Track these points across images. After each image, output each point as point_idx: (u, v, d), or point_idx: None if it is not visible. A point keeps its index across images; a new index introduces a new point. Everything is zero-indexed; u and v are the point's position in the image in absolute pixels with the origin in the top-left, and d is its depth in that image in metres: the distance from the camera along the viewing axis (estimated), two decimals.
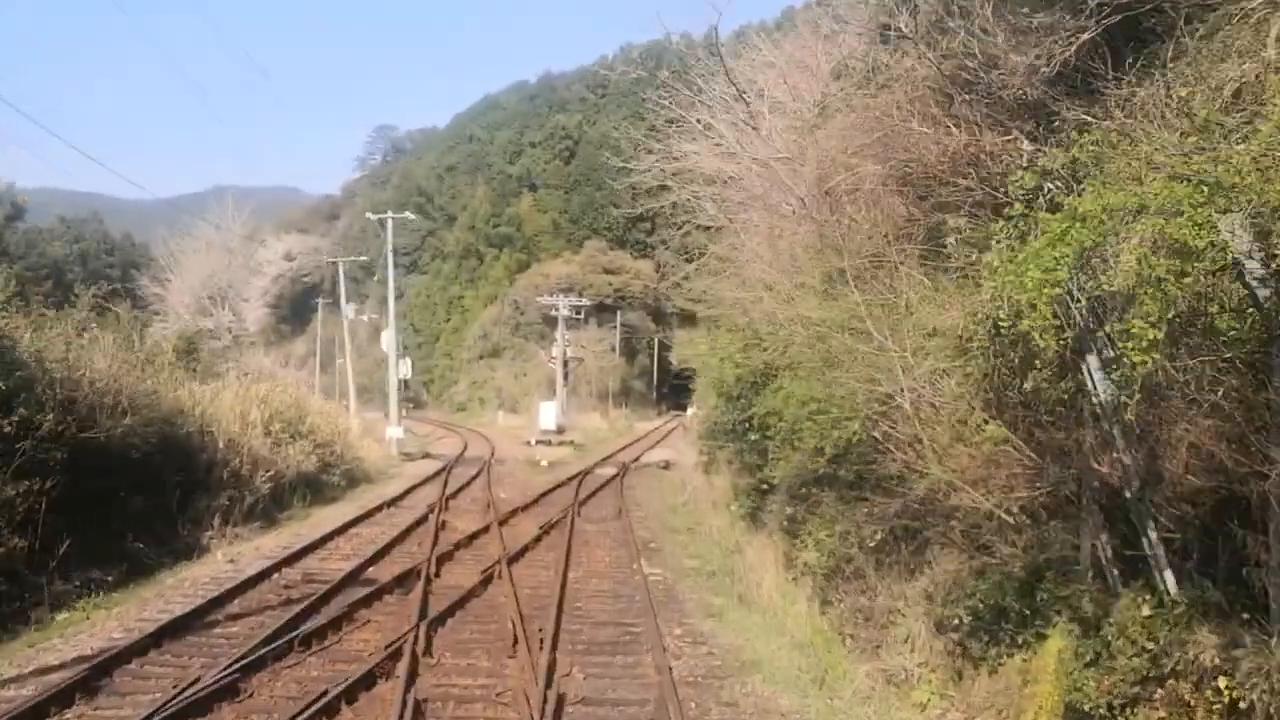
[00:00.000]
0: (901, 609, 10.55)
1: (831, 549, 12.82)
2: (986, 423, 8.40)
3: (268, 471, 19.43)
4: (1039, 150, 8.98)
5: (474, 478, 27.01)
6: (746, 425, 17.43)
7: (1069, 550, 8.36)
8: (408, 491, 23.21)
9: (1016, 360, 7.83)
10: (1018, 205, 7.65)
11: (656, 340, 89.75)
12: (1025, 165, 8.50)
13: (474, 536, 16.63)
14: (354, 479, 24.45)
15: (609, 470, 31.90)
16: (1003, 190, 8.89)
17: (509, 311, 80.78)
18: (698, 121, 29.92)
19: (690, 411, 39.43)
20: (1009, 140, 10.52)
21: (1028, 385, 7.75)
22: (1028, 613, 8.29)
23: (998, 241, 7.65)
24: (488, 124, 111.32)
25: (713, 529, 19.59)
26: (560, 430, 53.91)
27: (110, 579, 12.81)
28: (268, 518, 18.69)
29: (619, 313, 79.71)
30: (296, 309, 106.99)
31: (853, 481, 12.99)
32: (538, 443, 45.21)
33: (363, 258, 59.49)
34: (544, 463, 34.50)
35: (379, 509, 19.98)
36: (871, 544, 11.59)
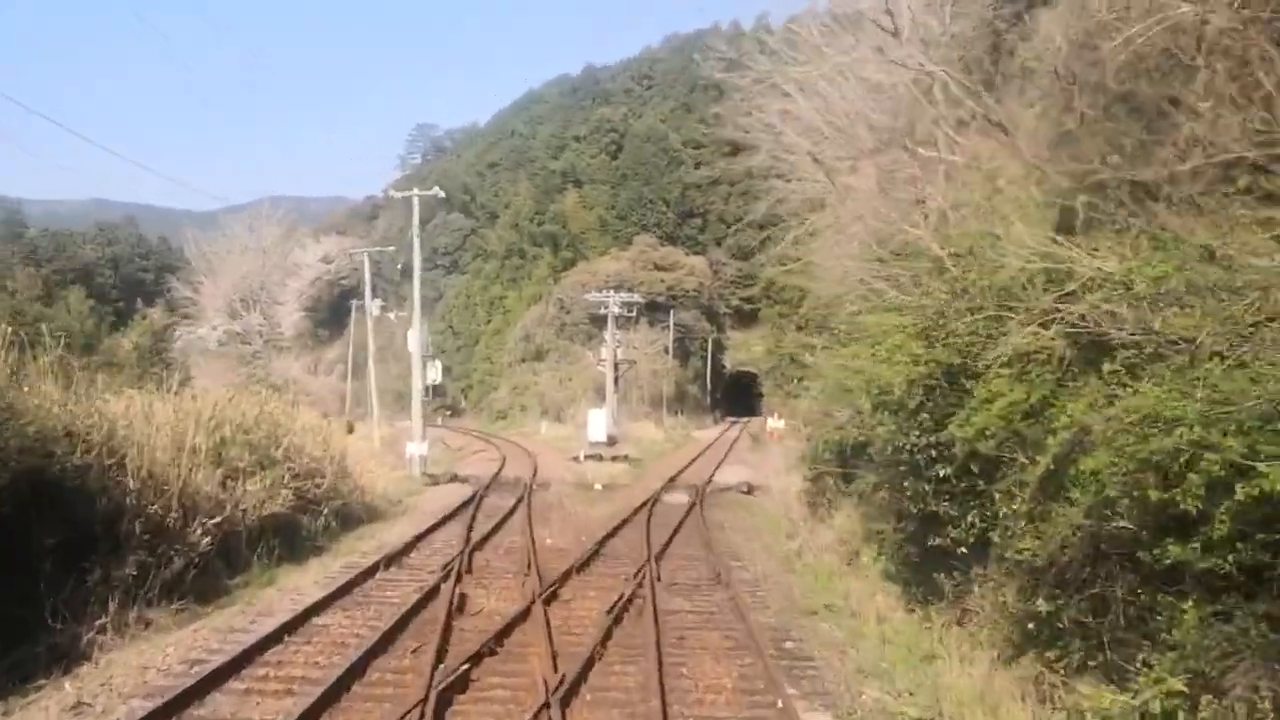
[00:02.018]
0: None
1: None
2: None
3: (212, 519, 13.47)
4: None
5: (511, 512, 20.90)
6: (932, 454, 11.10)
7: None
8: (420, 538, 17.12)
9: None
10: None
11: (710, 341, 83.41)
12: None
13: (504, 633, 10.45)
14: (349, 519, 18.43)
15: (680, 497, 25.65)
16: None
17: (553, 311, 74.87)
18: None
19: (772, 422, 33.03)
20: None
21: None
22: None
23: None
24: (530, 118, 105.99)
25: (860, 604, 13.23)
26: (611, 442, 47.78)
27: None
28: (206, 589, 12.71)
29: (672, 312, 73.41)
30: (334, 313, 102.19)
31: (1232, 578, 6.73)
32: (587, 458, 39.09)
33: (390, 248, 53.93)
34: (597, 486, 28.34)
35: (371, 572, 13.88)
36: None
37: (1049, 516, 8.71)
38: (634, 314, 59.60)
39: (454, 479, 28.41)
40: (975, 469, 10.78)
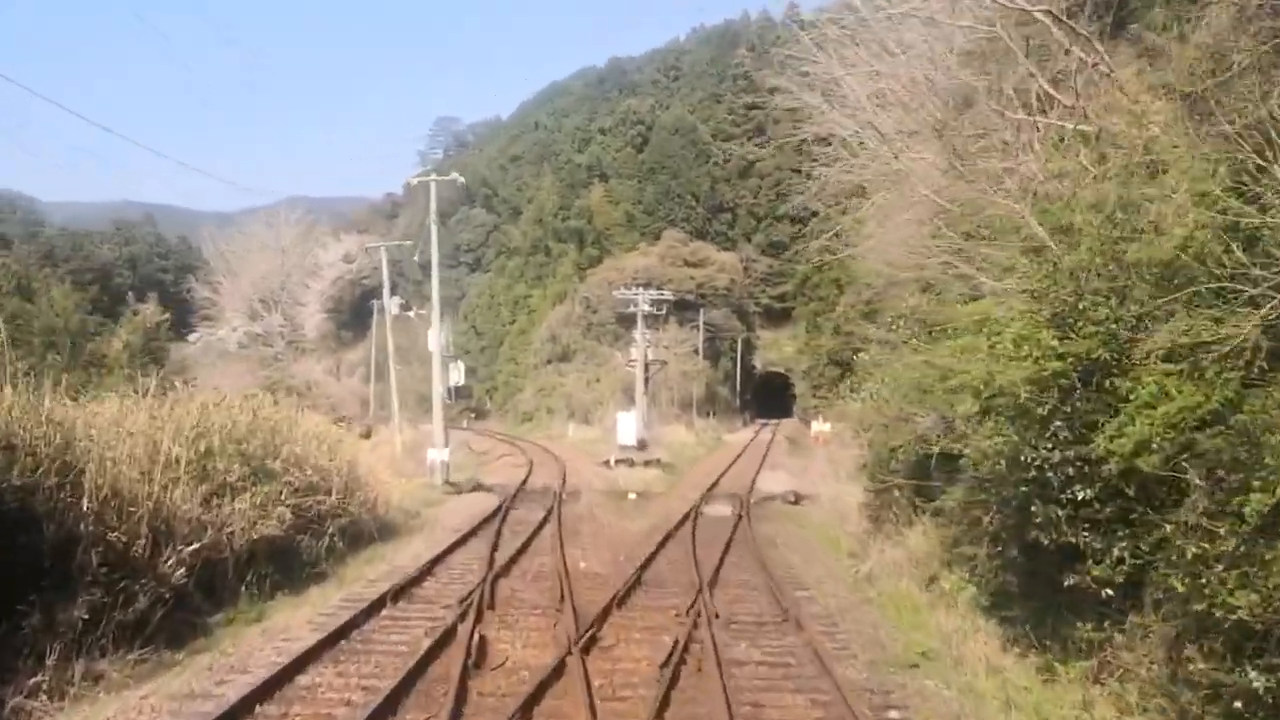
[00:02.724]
0: None
1: None
2: None
3: (190, 545, 11.44)
4: None
5: (539, 526, 18.75)
6: (1069, 472, 8.83)
7: None
8: (437, 560, 15.01)
9: None
10: None
11: (740, 342, 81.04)
12: None
13: (534, 698, 8.28)
14: (359, 537, 16.36)
15: (722, 508, 23.45)
16: None
17: (579, 310, 72.72)
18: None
19: (816, 425, 30.73)
20: None
21: None
22: None
23: None
24: (554, 111, 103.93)
25: (961, 648, 10.97)
26: (642, 445, 45.59)
27: None
28: (180, 630, 10.68)
29: (702, 310, 71.09)
30: (356, 314, 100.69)
31: None
32: (618, 463, 36.94)
33: (408, 242, 51.92)
34: (631, 495, 26.17)
35: (376, 607, 11.75)
36: None
37: (1273, 563, 6.46)
38: (664, 312, 57.33)
39: (478, 488, 26.35)
40: (1130, 491, 8.53)
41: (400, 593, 12.44)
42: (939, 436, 14.08)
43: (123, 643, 9.86)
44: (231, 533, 12.52)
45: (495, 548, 16.18)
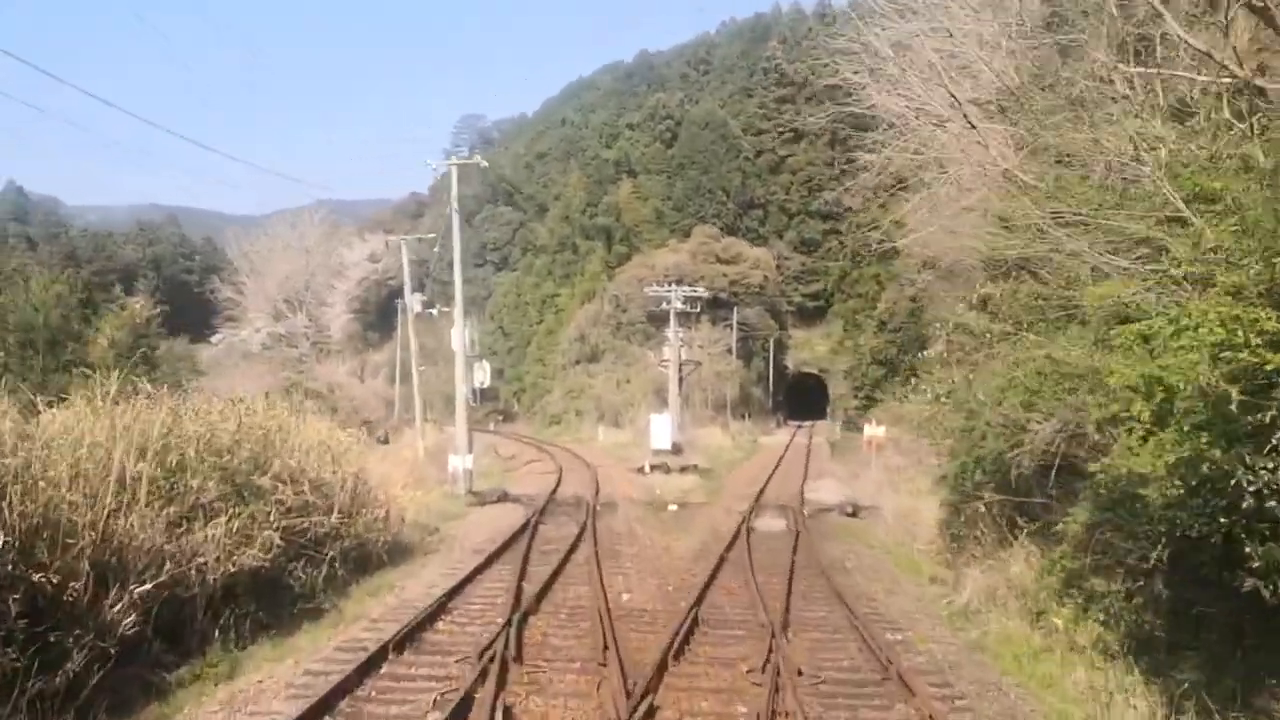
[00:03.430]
0: None
1: None
2: None
3: (146, 583, 9.26)
4: None
5: (573, 546, 16.43)
6: None
7: None
8: (455, 591, 12.72)
9: None
10: None
11: (772, 341, 78.43)
12: None
13: None
14: (365, 561, 14.14)
15: (775, 523, 21.06)
16: None
17: (609, 309, 70.40)
18: None
19: (869, 429, 28.24)
20: None
21: None
22: None
23: None
24: (581, 106, 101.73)
25: (1118, 716, 8.55)
26: (676, 450, 43.25)
27: None
28: (126, 694, 8.49)
29: (735, 308, 68.56)
30: (382, 315, 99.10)
31: None
32: (653, 468, 34.63)
33: (431, 235, 49.82)
34: (671, 506, 23.80)
35: (376, 661, 9.46)
36: None
37: None
38: (698, 310, 54.87)
39: (503, 498, 24.07)
40: None
41: (407, 639, 10.15)
42: (1060, 445, 11.65)
43: (49, 716, 7.69)
44: (203, 564, 10.31)
45: (523, 574, 13.88)
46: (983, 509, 15.96)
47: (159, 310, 27.45)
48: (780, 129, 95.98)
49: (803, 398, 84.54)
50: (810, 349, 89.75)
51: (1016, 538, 14.42)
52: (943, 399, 22.51)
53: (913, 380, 40.55)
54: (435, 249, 39.35)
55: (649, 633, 10.97)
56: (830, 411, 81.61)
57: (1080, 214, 12.61)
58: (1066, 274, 13.06)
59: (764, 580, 13.99)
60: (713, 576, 14.12)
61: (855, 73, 28.07)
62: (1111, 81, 15.67)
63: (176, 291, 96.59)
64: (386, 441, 37.14)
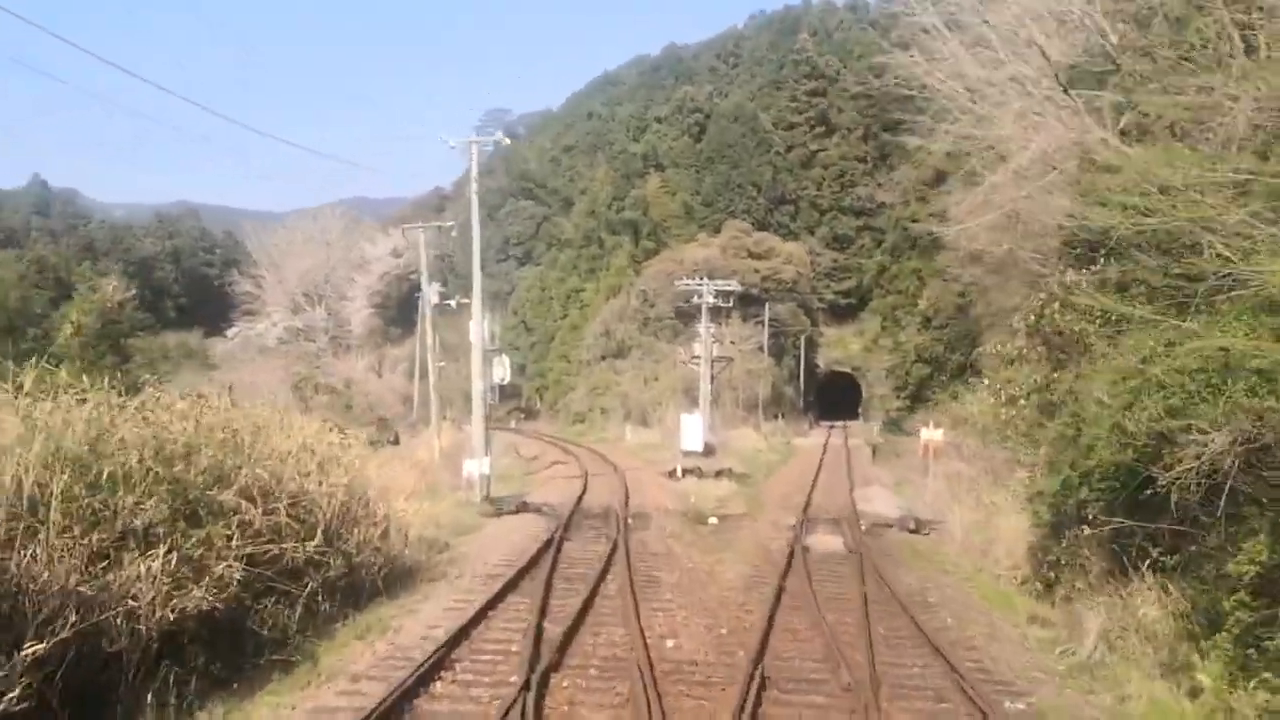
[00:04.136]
0: None
1: None
2: None
3: (47, 638, 6.96)
4: None
5: (603, 571, 14.01)
6: None
7: None
8: (460, 635, 10.33)
9: None
10: None
11: (803, 340, 75.73)
12: None
13: None
14: (355, 592, 11.82)
15: (830, 540, 18.58)
16: None
17: (635, 304, 67.94)
18: None
19: (926, 433, 25.66)
20: None
21: None
22: None
23: None
24: (608, 99, 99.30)
25: None
26: (709, 451, 40.81)
27: None
28: None
29: (767, 305, 65.93)
30: (404, 310, 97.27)
31: None
32: (685, 473, 32.16)
33: (450, 224, 47.57)
34: (711, 519, 21.32)
35: None
36: None
37: None
38: (730, 304, 52.30)
39: (523, 507, 21.69)
40: None
41: (392, 713, 7.76)
42: (1234, 463, 9.10)
43: None
44: (135, 609, 8.00)
45: (544, 609, 11.51)
46: (1089, 531, 13.47)
47: (134, 294, 25.18)
48: (811, 122, 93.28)
49: (834, 397, 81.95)
50: (843, 347, 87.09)
51: (1139, 569, 11.89)
52: (1021, 400, 20.02)
53: (969, 379, 37.98)
54: (454, 233, 37.16)
55: (703, 699, 8.58)
56: (863, 412, 78.81)
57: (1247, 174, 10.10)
58: (1204, 250, 10.51)
59: (835, 619, 11.53)
60: (772, 613, 11.67)
61: (906, 49, 25.68)
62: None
63: (196, 285, 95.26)
64: (396, 442, 34.92)
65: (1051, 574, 14.25)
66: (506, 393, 76.88)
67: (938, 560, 17.22)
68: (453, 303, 34.91)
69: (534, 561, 14.74)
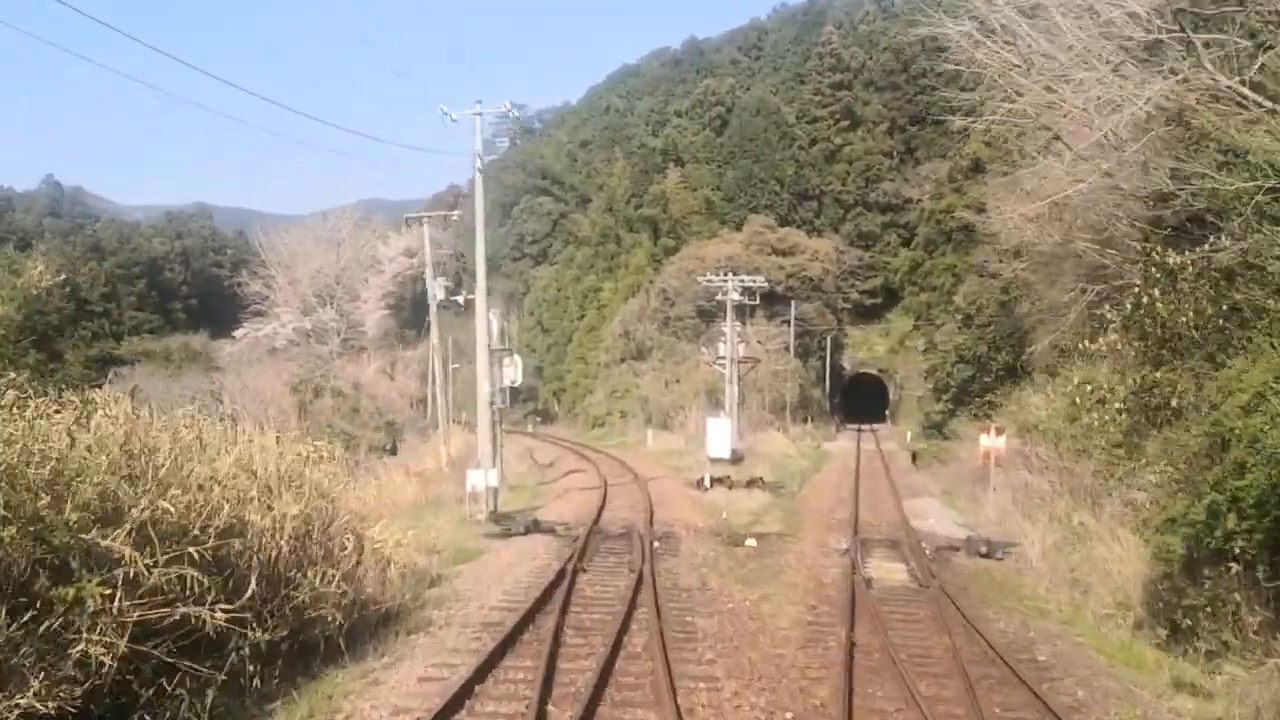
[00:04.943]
0: None
1: None
2: None
3: None
4: None
5: (625, 621, 11.23)
6: None
7: None
8: None
9: None
10: None
11: (829, 340, 72.71)
12: None
13: None
14: (308, 653, 9.14)
15: (893, 568, 15.78)
16: None
17: (655, 303, 65.15)
18: None
19: (987, 440, 22.74)
20: None
21: None
22: None
23: None
24: (627, 93, 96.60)
25: None
26: (736, 459, 38.04)
27: None
28: None
29: (793, 303, 62.99)
30: (418, 311, 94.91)
31: None
32: (714, 482, 29.37)
33: (456, 214, 44.97)
34: (749, 541, 18.51)
35: None
36: None
37: None
38: (756, 301, 49.39)
39: (533, 527, 18.92)
40: None
41: None
42: None
43: None
44: None
45: (549, 679, 8.78)
46: (1240, 569, 10.67)
47: (63, 279, 22.43)
48: (836, 116, 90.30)
49: (860, 400, 79.03)
50: (868, 348, 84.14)
51: None
52: (1117, 404, 17.13)
53: (1020, 379, 34.98)
54: (457, 213, 34.67)
55: None
56: (889, 414, 75.77)
57: None
58: None
59: (932, 693, 8.77)
60: (850, 689, 8.87)
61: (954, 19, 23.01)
62: None
63: (206, 286, 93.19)
64: (394, 452, 32.26)
65: (1186, 621, 11.42)
66: (522, 395, 74.16)
67: (1025, 596, 14.37)
68: (460, 298, 32.32)
69: (541, 602, 12.01)
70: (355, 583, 10.84)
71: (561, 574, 13.72)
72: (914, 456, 40.63)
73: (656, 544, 17.18)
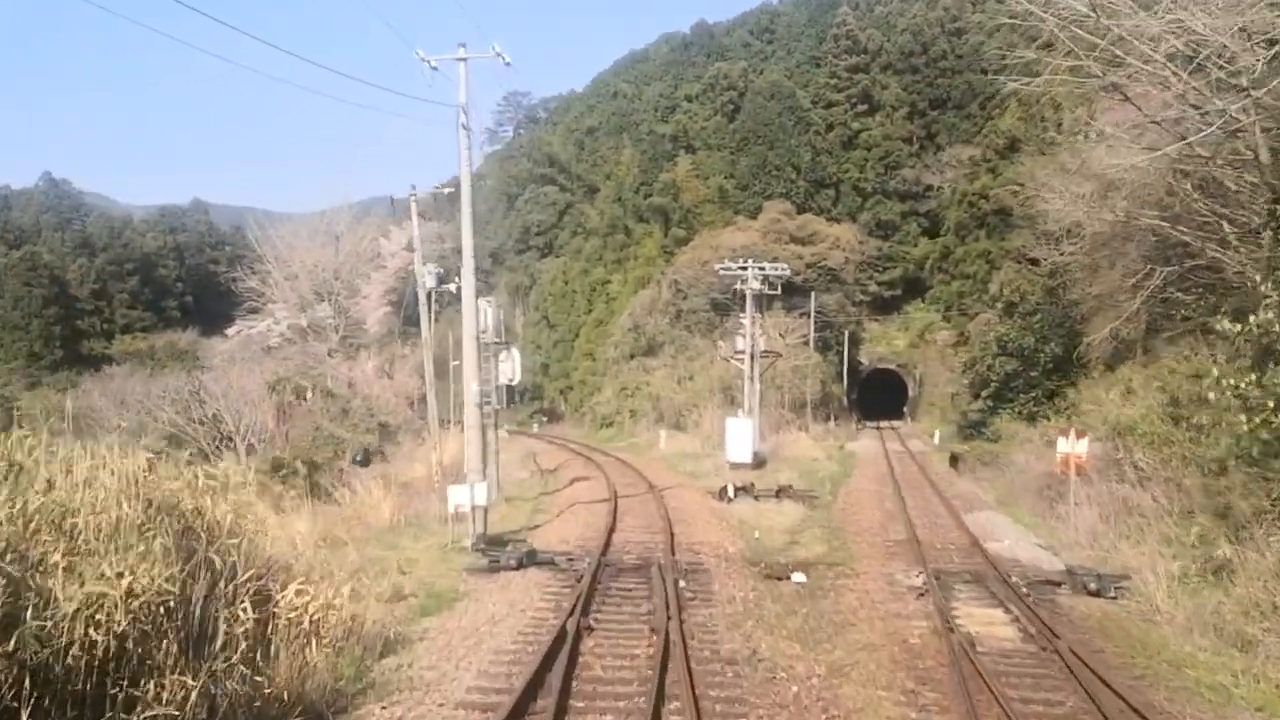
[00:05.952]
0: None
1: None
2: None
3: None
4: None
5: (654, 714, 7.71)
6: None
7: None
8: None
9: None
10: None
11: (846, 333, 69.04)
12: None
13: None
14: None
15: (987, 615, 12.22)
16: None
17: (667, 296, 61.60)
18: None
19: (1064, 444, 19.11)
20: None
21: None
22: None
23: None
24: (635, 78, 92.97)
25: None
26: (759, 462, 34.54)
27: None
28: None
29: (813, 294, 59.36)
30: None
31: None
32: (738, 491, 25.80)
33: (448, 190, 41.50)
34: (796, 575, 14.95)
35: None
36: None
37: None
38: (777, 291, 45.73)
39: (527, 561, 15.33)
40: None
41: None
42: None
43: None
44: None
45: None
46: None
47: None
48: (853, 100, 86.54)
49: (878, 396, 75.48)
50: (886, 342, 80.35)
51: None
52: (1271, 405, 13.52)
53: (1074, 373, 31.35)
54: (448, 189, 31.32)
55: None
56: (909, 411, 72.19)
57: None
58: None
59: None
60: None
61: None
62: None
63: (202, 283, 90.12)
64: (365, 464, 28.78)
65: None
66: (527, 394, 70.52)
67: (1176, 659, 10.78)
68: (453, 286, 28.90)
69: (531, 690, 8.49)
70: (254, 672, 7.36)
71: (560, 638, 10.21)
72: (953, 460, 36.99)
73: (682, 583, 13.65)
